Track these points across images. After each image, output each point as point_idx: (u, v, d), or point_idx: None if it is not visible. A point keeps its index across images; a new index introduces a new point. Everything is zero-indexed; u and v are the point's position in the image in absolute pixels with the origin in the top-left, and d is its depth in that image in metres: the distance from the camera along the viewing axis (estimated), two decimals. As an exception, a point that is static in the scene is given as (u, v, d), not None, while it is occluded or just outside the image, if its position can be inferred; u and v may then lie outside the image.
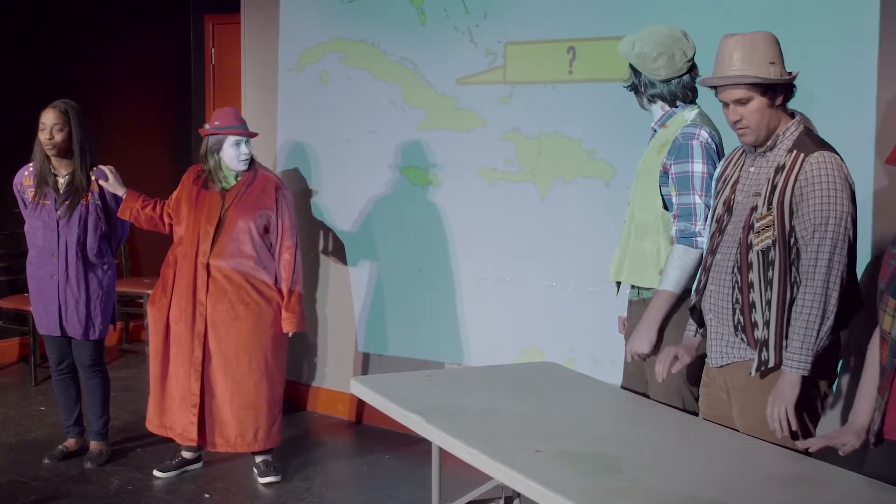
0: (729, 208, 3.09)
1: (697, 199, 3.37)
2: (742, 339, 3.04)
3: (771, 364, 2.97)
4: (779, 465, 2.78)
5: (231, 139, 4.64)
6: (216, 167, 4.70)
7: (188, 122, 7.75)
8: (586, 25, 4.77)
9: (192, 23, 7.72)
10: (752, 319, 3.01)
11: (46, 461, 4.98)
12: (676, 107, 3.52)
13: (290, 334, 4.80)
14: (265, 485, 4.76)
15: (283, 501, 4.62)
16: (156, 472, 4.85)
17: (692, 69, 3.52)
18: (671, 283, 3.38)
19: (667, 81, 3.49)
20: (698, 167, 3.38)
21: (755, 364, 3.00)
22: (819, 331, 2.89)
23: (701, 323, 3.25)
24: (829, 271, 2.88)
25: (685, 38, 3.51)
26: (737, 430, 3.08)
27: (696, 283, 3.24)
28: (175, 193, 4.84)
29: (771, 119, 3.00)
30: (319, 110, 5.76)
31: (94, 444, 5.04)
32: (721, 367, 3.12)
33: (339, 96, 5.67)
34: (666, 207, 3.50)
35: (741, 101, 2.98)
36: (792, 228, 2.95)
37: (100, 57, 7.28)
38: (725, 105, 3.03)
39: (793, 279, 2.95)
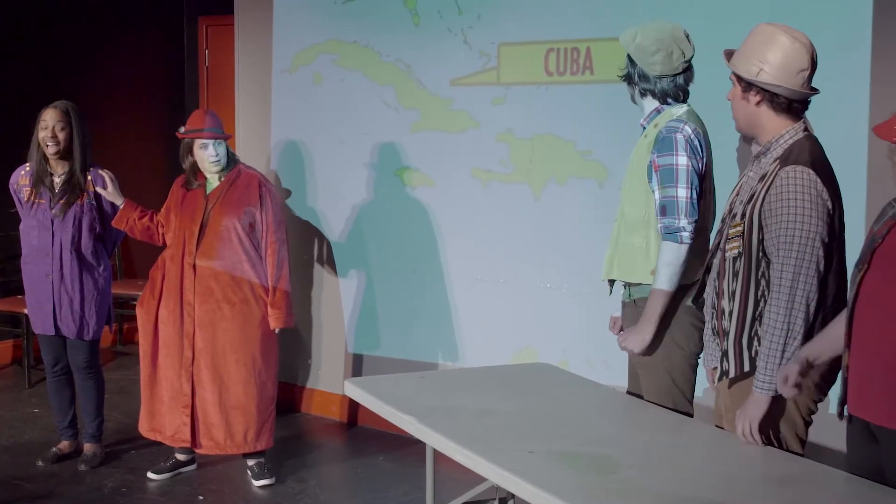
0: (732, 212, 3.06)
1: (681, 192, 3.32)
2: (717, 346, 3.04)
3: (731, 375, 2.98)
4: (773, 465, 2.79)
5: (199, 142, 4.66)
6: (192, 168, 4.74)
7: (182, 123, 7.60)
8: (582, 27, 4.77)
9: (185, 25, 7.71)
10: (724, 326, 3.00)
11: (40, 463, 4.97)
12: (667, 104, 3.50)
13: (277, 331, 4.79)
14: (259, 487, 4.75)
15: (277, 503, 4.61)
16: (149, 474, 4.84)
17: (688, 70, 3.49)
18: (663, 281, 3.36)
19: (660, 78, 3.47)
20: (682, 160, 3.34)
21: (718, 373, 3.02)
22: (783, 352, 2.82)
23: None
24: (793, 293, 2.80)
25: (687, 38, 3.47)
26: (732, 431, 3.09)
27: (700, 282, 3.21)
28: (165, 204, 4.86)
29: (752, 116, 2.96)
30: (313, 112, 5.75)
31: (87, 447, 5.03)
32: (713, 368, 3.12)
33: (333, 97, 5.66)
34: None
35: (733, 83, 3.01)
36: (760, 242, 2.89)
37: (94, 59, 7.27)
38: None
39: (760, 292, 2.90)
